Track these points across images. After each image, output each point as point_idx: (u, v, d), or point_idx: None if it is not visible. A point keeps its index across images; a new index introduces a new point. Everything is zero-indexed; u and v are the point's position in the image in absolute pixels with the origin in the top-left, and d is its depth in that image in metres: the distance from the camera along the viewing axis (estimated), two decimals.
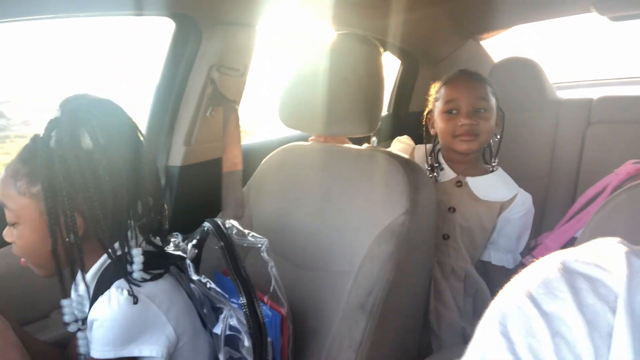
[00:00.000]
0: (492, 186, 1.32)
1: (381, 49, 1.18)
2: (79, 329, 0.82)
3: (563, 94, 2.13)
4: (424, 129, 1.43)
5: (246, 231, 0.91)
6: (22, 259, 0.81)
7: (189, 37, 1.27)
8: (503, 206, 1.30)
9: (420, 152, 1.44)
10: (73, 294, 0.82)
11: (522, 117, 2.05)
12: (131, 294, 0.75)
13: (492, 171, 1.35)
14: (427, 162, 1.38)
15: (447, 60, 2.27)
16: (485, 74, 2.17)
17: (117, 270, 0.77)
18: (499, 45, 2.52)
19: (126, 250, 0.79)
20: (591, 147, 1.94)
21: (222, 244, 0.86)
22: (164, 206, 0.88)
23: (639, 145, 1.83)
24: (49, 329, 1.10)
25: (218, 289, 0.83)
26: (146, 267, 0.80)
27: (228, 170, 1.32)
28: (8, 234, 0.80)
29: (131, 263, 0.79)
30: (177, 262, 0.86)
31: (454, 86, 1.31)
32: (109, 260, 0.79)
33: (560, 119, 2.02)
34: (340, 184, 1.13)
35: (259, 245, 0.88)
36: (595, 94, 2.04)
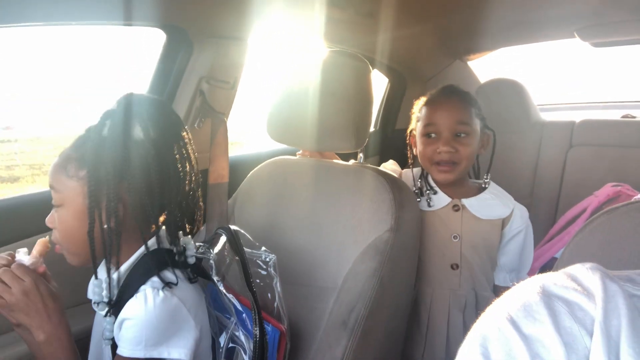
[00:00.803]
0: (490, 204, 1.26)
1: (370, 66, 1.20)
2: (107, 314, 0.81)
3: (547, 116, 2.18)
4: (407, 148, 1.37)
5: (257, 243, 0.93)
6: (58, 246, 0.83)
7: (180, 49, 1.27)
8: (504, 222, 1.24)
9: (408, 178, 1.34)
10: (94, 279, 0.82)
11: (506, 138, 2.09)
12: (170, 284, 0.77)
13: (485, 187, 1.29)
14: (415, 186, 1.30)
15: (434, 79, 2.31)
16: (471, 94, 2.23)
17: (149, 268, 0.79)
18: (486, 66, 2.57)
19: (178, 241, 0.83)
20: (572, 169, 1.98)
21: (238, 258, 0.88)
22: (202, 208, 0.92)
23: (619, 168, 1.88)
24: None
25: (231, 297, 0.83)
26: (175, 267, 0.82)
27: (214, 182, 1.32)
28: (50, 220, 0.82)
29: (182, 253, 0.82)
30: (200, 264, 0.88)
31: (434, 108, 1.23)
32: (142, 257, 0.80)
33: (544, 140, 2.06)
34: (326, 199, 1.14)
35: (267, 260, 0.89)
36: (577, 116, 2.09)
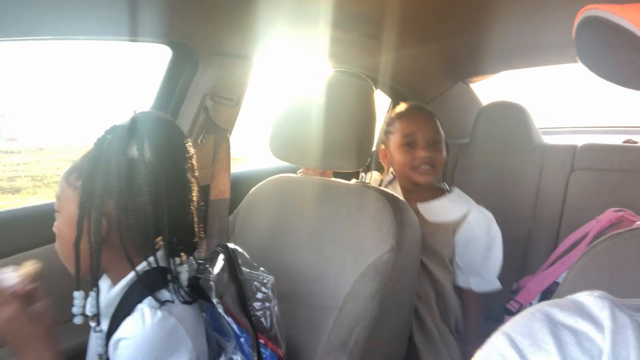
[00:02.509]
0: (442, 207, 1.37)
1: (373, 86, 1.21)
2: (95, 330, 0.80)
3: (548, 139, 2.18)
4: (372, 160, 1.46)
5: (255, 264, 0.90)
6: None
7: (186, 65, 1.29)
8: (456, 227, 1.33)
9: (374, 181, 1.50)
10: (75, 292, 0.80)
11: (508, 161, 2.09)
12: (167, 302, 0.76)
13: (447, 192, 1.41)
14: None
15: (436, 100, 2.32)
16: (473, 116, 2.24)
17: (144, 289, 0.77)
18: (488, 88, 2.59)
19: (173, 265, 0.81)
20: (574, 193, 1.97)
21: (234, 280, 0.85)
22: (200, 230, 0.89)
23: (620, 193, 1.87)
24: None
25: (230, 320, 0.82)
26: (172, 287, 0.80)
27: (215, 198, 1.32)
28: (54, 226, 0.83)
29: (175, 277, 0.80)
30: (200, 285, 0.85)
31: (410, 119, 1.38)
32: (139, 275, 0.78)
33: (545, 164, 2.06)
34: (327, 218, 1.13)
35: (265, 281, 0.87)
36: (579, 140, 2.09)
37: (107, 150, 0.77)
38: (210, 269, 0.85)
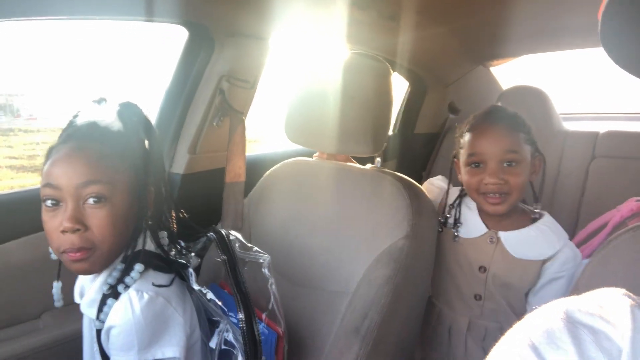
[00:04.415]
0: (530, 242, 1.12)
1: (390, 69, 1.19)
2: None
3: (570, 126, 2.13)
4: (450, 171, 1.27)
5: (249, 245, 0.90)
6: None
7: (202, 46, 1.28)
8: (544, 263, 1.10)
9: (452, 196, 1.26)
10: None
11: None
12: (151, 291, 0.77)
13: (535, 218, 1.15)
14: (446, 212, 1.22)
15: (456, 84, 2.28)
16: (493, 100, 2.19)
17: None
18: (509, 72, 2.53)
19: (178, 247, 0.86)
20: (594, 181, 1.93)
21: (225, 257, 0.86)
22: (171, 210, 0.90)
23: None
24: (40, 331, 1.09)
25: (217, 302, 0.82)
26: (155, 269, 0.82)
27: (230, 181, 1.32)
28: None
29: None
30: (180, 270, 0.86)
31: (479, 135, 1.12)
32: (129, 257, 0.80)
33: (566, 150, 2.02)
34: (342, 203, 1.13)
35: (261, 261, 0.88)
36: (601, 127, 2.04)
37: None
38: (192, 255, 0.86)
